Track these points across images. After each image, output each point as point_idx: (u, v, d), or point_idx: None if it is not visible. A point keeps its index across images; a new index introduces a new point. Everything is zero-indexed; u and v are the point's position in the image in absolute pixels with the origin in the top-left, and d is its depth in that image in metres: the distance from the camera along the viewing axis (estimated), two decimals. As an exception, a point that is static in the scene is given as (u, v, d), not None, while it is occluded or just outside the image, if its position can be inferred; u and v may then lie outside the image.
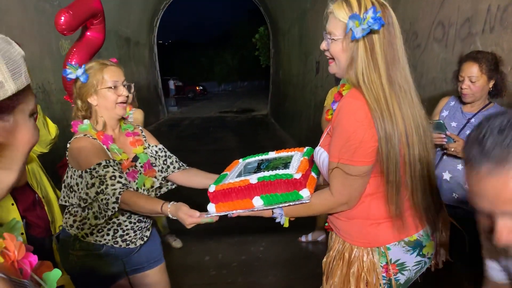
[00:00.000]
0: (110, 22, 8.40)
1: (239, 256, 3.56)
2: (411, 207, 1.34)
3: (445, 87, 3.21)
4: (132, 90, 1.96)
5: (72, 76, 1.71)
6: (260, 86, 34.62)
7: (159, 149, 2.01)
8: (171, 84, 25.01)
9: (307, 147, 1.69)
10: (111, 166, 1.64)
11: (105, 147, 1.74)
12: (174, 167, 2.01)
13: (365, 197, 1.34)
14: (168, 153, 2.04)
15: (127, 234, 1.84)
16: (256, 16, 18.02)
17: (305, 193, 1.30)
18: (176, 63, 36.79)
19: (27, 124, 0.62)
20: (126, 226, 1.83)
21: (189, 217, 1.46)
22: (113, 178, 1.60)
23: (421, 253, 1.39)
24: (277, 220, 1.37)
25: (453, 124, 2.24)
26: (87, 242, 1.79)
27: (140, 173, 1.84)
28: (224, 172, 1.57)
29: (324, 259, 1.53)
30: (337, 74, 1.39)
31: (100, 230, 1.79)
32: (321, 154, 1.39)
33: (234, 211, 1.36)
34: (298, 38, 9.06)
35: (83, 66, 1.73)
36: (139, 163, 1.86)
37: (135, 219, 1.85)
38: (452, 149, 2.08)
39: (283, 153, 1.69)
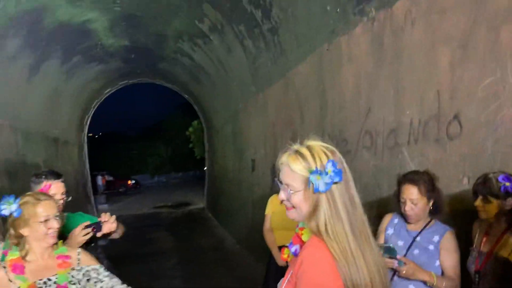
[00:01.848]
0: (38, 123, 8.16)
1: None
2: None
3: (378, 193, 3.34)
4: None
5: (6, 213, 1.83)
6: (195, 177, 34.39)
7: (92, 269, 2.01)
8: (99, 180, 24.19)
9: None
10: None
11: (12, 275, 1.80)
12: None
13: None
14: (105, 274, 2.02)
15: None
16: (189, 109, 18.44)
17: None
18: (107, 157, 35.84)
19: None
20: None
21: None
22: None
23: None
24: None
25: (400, 243, 2.29)
26: None
27: None
28: None
29: None
30: (296, 220, 1.38)
31: None
32: None
33: None
34: (232, 136, 9.28)
35: (17, 201, 1.84)
36: (46, 285, 1.86)
37: None
38: (404, 272, 2.09)
39: None
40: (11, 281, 1.80)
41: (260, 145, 6.87)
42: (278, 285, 1.44)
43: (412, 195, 2.19)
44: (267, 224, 3.76)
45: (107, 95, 13.19)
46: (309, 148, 1.31)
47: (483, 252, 2.05)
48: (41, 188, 2.37)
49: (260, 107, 6.82)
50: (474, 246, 2.15)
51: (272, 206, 3.76)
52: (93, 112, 13.49)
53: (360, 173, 3.60)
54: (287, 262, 1.51)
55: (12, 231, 1.87)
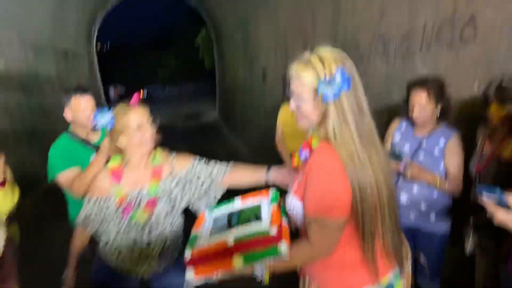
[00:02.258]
0: (46, 37, 8.05)
1: None
2: (382, 249, 1.40)
3: (389, 100, 3.36)
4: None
5: (101, 125, 1.85)
6: (206, 87, 34.29)
7: (187, 171, 2.01)
8: (111, 91, 24.21)
9: (272, 190, 1.70)
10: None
11: (111, 182, 1.88)
12: (219, 175, 2.02)
13: (340, 245, 1.37)
14: (200, 167, 2.04)
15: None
16: (197, 17, 17.78)
17: (283, 248, 1.32)
18: (117, 69, 35.66)
19: None
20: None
21: None
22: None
23: None
24: (259, 278, 1.38)
25: (406, 147, 2.36)
26: None
27: (138, 208, 1.88)
28: (193, 232, 1.55)
29: None
30: (306, 128, 1.42)
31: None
32: (294, 205, 1.42)
33: (214, 277, 1.35)
34: (242, 44, 9.07)
35: (110, 112, 1.86)
36: (137, 198, 1.90)
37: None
38: (409, 174, 2.18)
39: (250, 200, 1.68)
40: (110, 189, 1.87)
41: (271, 53, 6.74)
42: (289, 187, 1.53)
43: (421, 99, 2.22)
44: (279, 133, 3.84)
45: (113, 5, 12.73)
46: (319, 57, 1.30)
47: (485, 154, 2.11)
48: (79, 102, 2.44)
49: (270, 12, 6.58)
50: (477, 148, 2.21)
51: (283, 115, 3.81)
52: (100, 24, 13.16)
53: (373, 79, 3.59)
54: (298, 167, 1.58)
55: (111, 144, 1.91)
